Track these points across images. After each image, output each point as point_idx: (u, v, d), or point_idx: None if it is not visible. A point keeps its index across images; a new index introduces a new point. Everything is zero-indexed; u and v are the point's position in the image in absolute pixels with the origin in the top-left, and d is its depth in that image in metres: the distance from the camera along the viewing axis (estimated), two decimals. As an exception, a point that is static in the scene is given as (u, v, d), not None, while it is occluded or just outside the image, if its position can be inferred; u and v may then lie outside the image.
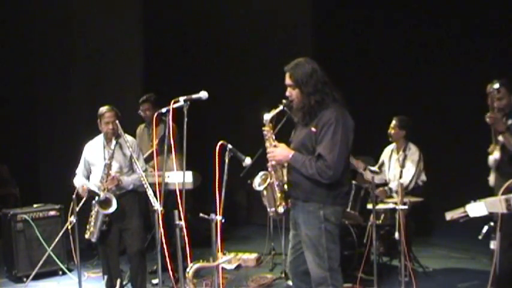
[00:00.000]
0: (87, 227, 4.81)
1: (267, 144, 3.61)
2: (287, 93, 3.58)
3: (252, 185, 3.73)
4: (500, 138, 4.34)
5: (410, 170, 5.63)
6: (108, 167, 4.73)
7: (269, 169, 3.61)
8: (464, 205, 3.51)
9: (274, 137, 3.62)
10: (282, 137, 3.75)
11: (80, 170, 5.02)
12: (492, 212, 3.48)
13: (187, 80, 7.33)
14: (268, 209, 3.66)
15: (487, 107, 4.36)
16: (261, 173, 3.65)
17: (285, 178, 3.61)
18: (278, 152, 3.55)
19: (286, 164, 3.61)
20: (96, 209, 4.71)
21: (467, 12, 6.52)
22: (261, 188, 3.61)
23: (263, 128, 3.61)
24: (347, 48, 7.41)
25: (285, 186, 3.60)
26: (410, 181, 5.57)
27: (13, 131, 7.53)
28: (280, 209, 3.59)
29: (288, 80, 3.56)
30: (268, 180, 3.58)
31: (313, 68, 3.52)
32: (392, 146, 5.96)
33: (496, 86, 4.27)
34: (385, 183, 5.90)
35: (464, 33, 6.61)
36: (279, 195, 3.59)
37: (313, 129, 3.46)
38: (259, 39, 8.00)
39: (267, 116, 3.59)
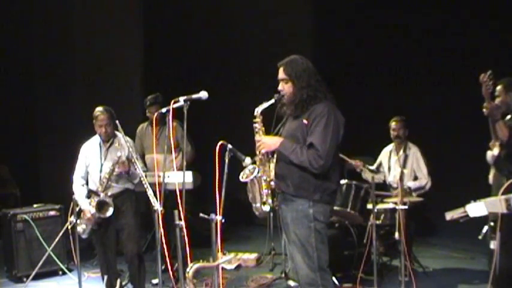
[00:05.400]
0: (78, 221, 4.79)
1: (256, 136, 3.62)
2: (279, 88, 3.60)
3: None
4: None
5: (423, 169, 5.74)
6: (111, 172, 4.73)
7: (257, 162, 3.62)
8: (464, 205, 3.52)
9: (263, 130, 3.63)
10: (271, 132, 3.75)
11: (78, 175, 4.94)
12: (492, 212, 3.48)
13: (187, 80, 7.33)
14: (253, 205, 3.66)
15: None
16: (250, 166, 3.64)
17: (272, 174, 3.60)
18: (267, 139, 3.57)
19: (274, 158, 3.60)
20: (93, 212, 4.71)
21: (467, 12, 6.52)
22: (246, 180, 3.60)
23: (254, 121, 3.63)
24: (347, 48, 7.42)
25: (272, 183, 3.59)
26: (427, 180, 5.71)
27: (13, 131, 7.53)
28: (266, 207, 3.59)
29: (281, 74, 3.59)
30: (255, 173, 3.57)
31: (307, 64, 3.58)
32: (390, 146, 5.96)
33: (489, 74, 4.27)
34: (383, 183, 5.91)
35: (464, 33, 6.61)
36: (265, 191, 3.59)
37: (304, 121, 3.49)
38: (259, 39, 8.00)
39: (258, 109, 3.60)
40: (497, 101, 4.44)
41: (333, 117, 3.46)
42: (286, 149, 3.48)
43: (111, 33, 7.58)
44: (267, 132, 3.67)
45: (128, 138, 5.01)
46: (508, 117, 4.42)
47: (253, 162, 3.64)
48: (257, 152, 3.62)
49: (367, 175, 5.84)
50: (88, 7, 7.58)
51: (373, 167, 5.97)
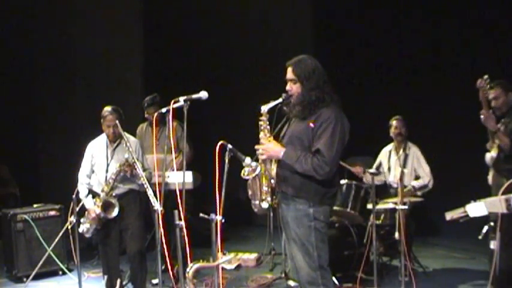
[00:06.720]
0: (82, 220, 4.80)
1: (261, 134, 3.60)
2: (287, 88, 3.58)
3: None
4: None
5: (425, 168, 5.74)
6: (117, 173, 4.72)
7: (259, 161, 3.61)
8: (464, 205, 3.52)
9: (269, 129, 3.62)
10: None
11: (83, 174, 4.93)
12: (492, 212, 3.48)
13: (187, 80, 7.33)
14: (252, 202, 3.65)
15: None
16: (253, 164, 3.62)
17: (273, 172, 3.58)
18: (270, 147, 3.54)
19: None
20: (99, 212, 4.72)
21: (468, 13, 6.53)
22: (248, 178, 3.59)
23: (259, 119, 3.60)
24: (347, 48, 7.42)
25: (272, 181, 3.58)
26: (430, 178, 5.72)
27: (13, 131, 7.53)
28: (264, 204, 3.58)
29: (289, 74, 3.56)
30: (258, 171, 3.57)
31: (315, 64, 3.54)
32: (390, 146, 5.96)
33: (486, 78, 4.29)
34: (384, 185, 5.90)
35: (464, 33, 6.61)
36: (265, 189, 3.58)
37: (311, 124, 3.46)
38: (259, 39, 8.01)
39: (265, 107, 3.58)
40: (498, 102, 4.45)
41: (340, 124, 3.45)
42: (290, 159, 3.46)
43: (111, 33, 7.59)
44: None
45: (133, 139, 5.00)
46: (503, 120, 4.43)
47: (256, 160, 3.63)
48: (258, 154, 3.61)
49: (368, 179, 5.83)
50: (88, 7, 7.58)
51: (374, 170, 5.95)
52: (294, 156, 3.45)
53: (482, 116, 4.36)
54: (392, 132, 5.84)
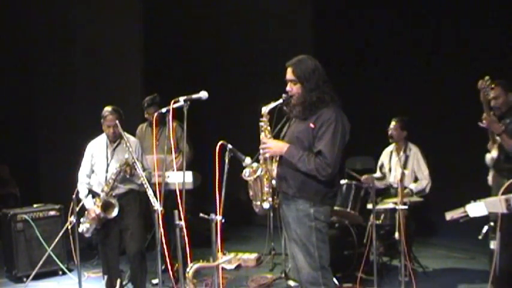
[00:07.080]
0: (82, 220, 4.80)
1: (262, 135, 3.60)
2: (287, 88, 3.57)
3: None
4: (498, 138, 4.37)
5: (424, 170, 5.71)
6: (117, 173, 4.72)
7: (261, 161, 3.61)
8: (464, 205, 3.52)
9: (269, 129, 3.62)
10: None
11: (83, 174, 4.93)
12: (492, 212, 3.48)
13: (187, 80, 7.33)
14: (254, 202, 3.65)
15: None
16: (254, 164, 3.63)
17: (275, 173, 3.58)
18: (273, 144, 3.54)
19: (277, 158, 3.58)
20: (99, 212, 4.72)
21: (468, 12, 6.53)
22: (250, 178, 3.59)
23: (260, 120, 3.60)
24: (347, 48, 7.42)
25: (273, 182, 3.58)
26: (428, 181, 5.70)
27: (13, 131, 7.54)
28: (266, 205, 3.58)
29: (289, 75, 3.55)
30: (259, 172, 3.57)
31: (315, 64, 3.54)
32: (392, 147, 5.95)
33: (487, 80, 4.28)
34: (388, 188, 5.89)
35: (465, 33, 6.61)
36: (266, 189, 3.58)
37: (311, 125, 3.46)
38: (259, 39, 8.00)
39: (266, 108, 3.58)
40: (498, 102, 4.46)
41: (341, 125, 3.45)
42: (292, 157, 3.46)
43: (111, 33, 7.59)
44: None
45: (133, 139, 5.00)
46: (507, 120, 4.43)
47: (257, 161, 3.63)
48: (261, 152, 3.61)
49: (378, 184, 5.84)
50: (88, 7, 7.59)
51: (379, 174, 5.96)
52: (297, 154, 3.45)
53: (485, 121, 4.36)
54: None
